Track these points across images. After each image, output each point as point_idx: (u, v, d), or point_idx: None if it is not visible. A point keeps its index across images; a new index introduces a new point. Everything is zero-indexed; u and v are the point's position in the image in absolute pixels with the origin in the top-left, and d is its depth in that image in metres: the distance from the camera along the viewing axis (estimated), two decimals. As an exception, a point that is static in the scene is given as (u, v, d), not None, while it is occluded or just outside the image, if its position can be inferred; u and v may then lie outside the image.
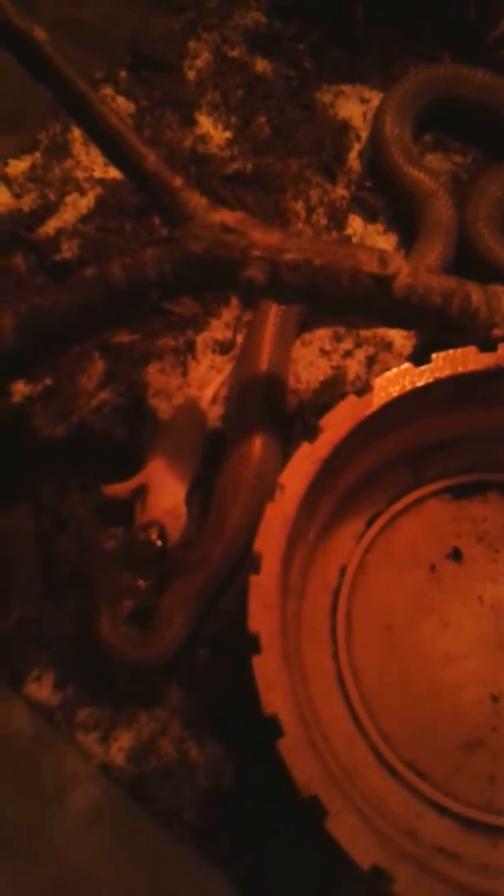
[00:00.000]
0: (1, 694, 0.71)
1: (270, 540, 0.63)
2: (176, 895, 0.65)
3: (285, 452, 0.76)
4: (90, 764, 0.69)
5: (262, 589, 0.62)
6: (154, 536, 0.72)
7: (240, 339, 0.86)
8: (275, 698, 0.59)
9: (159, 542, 0.72)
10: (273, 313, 0.81)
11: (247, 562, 0.67)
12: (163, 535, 0.73)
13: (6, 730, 0.70)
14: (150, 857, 0.67)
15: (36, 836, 0.64)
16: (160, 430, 0.80)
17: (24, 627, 0.74)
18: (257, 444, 0.75)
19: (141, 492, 0.76)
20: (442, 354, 0.69)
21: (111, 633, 0.70)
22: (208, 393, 0.83)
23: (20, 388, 0.83)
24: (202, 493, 0.78)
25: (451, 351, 0.69)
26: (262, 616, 0.61)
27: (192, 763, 0.70)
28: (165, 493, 0.75)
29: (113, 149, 0.67)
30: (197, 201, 0.65)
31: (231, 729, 0.70)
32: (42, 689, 0.72)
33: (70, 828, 0.66)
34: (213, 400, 0.83)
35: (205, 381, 0.84)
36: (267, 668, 0.59)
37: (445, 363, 0.69)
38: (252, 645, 0.60)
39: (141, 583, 0.72)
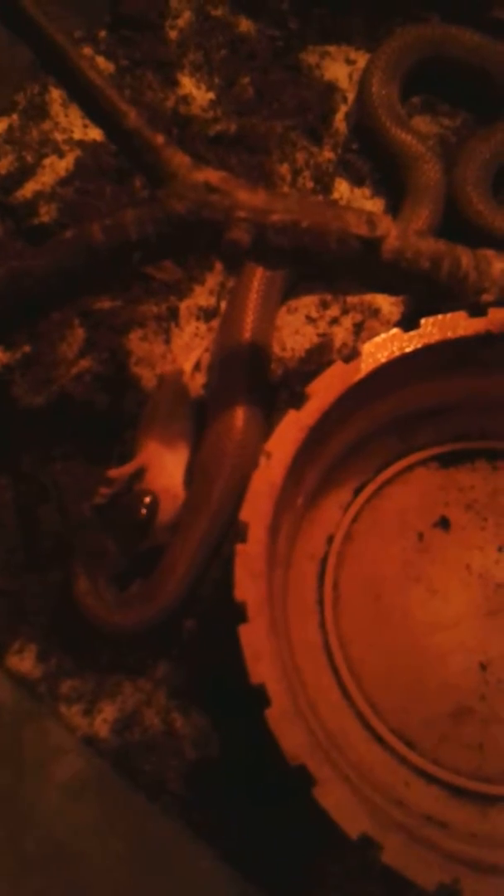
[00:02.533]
0: (-18, 667, 0.70)
1: (257, 508, 0.62)
2: (162, 868, 0.65)
3: (270, 421, 0.75)
4: (74, 736, 0.68)
5: (249, 558, 0.61)
6: (141, 504, 0.71)
7: (224, 306, 0.84)
8: (262, 667, 0.58)
9: (144, 511, 0.70)
10: (256, 279, 0.79)
11: (233, 531, 0.66)
12: (152, 508, 0.71)
13: (-12, 703, 0.69)
14: (135, 829, 0.67)
15: (19, 810, 0.63)
16: (148, 409, 0.78)
17: (6, 599, 0.73)
18: (240, 413, 0.74)
19: (139, 474, 0.74)
20: (431, 320, 0.67)
21: (88, 596, 0.69)
22: (189, 364, 0.81)
23: (-1, 357, 0.81)
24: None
25: (440, 316, 0.67)
26: (248, 585, 0.60)
27: (178, 734, 0.69)
28: (164, 473, 0.74)
29: (93, 106, 0.65)
30: (180, 160, 0.63)
31: (217, 699, 0.70)
32: (24, 661, 0.71)
33: (54, 801, 0.65)
34: (196, 368, 0.82)
35: (188, 348, 0.83)
36: (254, 637, 0.59)
37: (434, 328, 0.67)
38: (239, 614, 0.59)
39: (110, 545, 0.70)
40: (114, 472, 0.73)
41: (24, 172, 0.89)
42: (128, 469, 0.74)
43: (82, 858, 0.61)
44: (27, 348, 0.82)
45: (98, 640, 0.70)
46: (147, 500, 0.71)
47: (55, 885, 0.59)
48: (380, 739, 0.67)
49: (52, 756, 0.67)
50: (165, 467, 0.74)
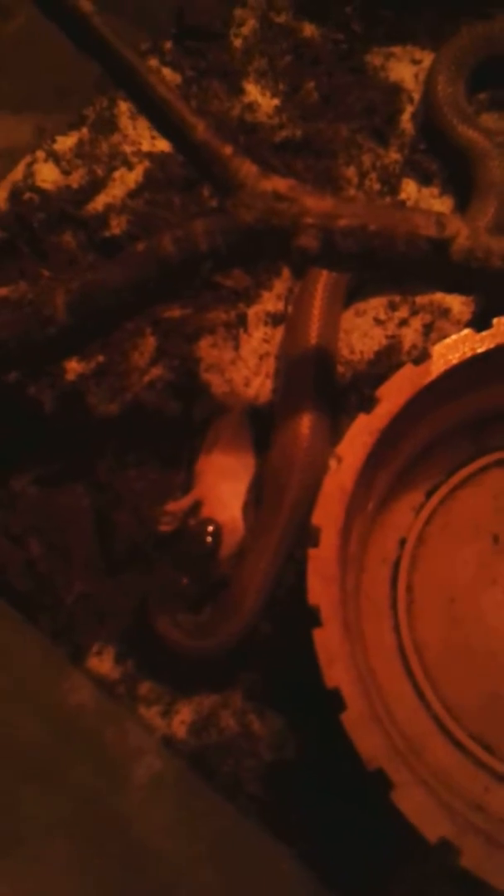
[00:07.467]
0: (64, 669, 0.72)
1: (329, 512, 0.63)
2: (240, 869, 0.65)
3: (339, 425, 0.75)
4: (153, 737, 0.69)
5: (322, 562, 0.61)
6: (206, 533, 0.71)
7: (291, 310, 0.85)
8: (337, 671, 0.58)
9: (209, 540, 0.71)
10: (321, 283, 0.79)
11: (305, 535, 0.66)
12: (216, 535, 0.71)
13: (70, 704, 0.71)
14: (213, 830, 0.67)
15: (102, 811, 0.64)
16: (208, 440, 0.78)
17: (85, 603, 0.74)
18: (307, 419, 0.74)
19: (195, 508, 0.74)
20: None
21: (168, 628, 0.70)
22: (251, 391, 0.82)
23: (73, 367, 0.83)
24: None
25: (512, 315, 0.67)
26: (321, 589, 0.60)
27: (254, 736, 0.70)
28: (220, 506, 0.74)
29: (162, 120, 0.67)
30: (248, 169, 0.64)
31: (292, 702, 0.70)
32: (103, 663, 0.73)
33: (134, 802, 0.66)
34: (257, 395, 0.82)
35: (256, 354, 0.83)
36: (328, 641, 0.59)
37: (507, 328, 0.67)
38: (312, 618, 0.59)
39: (184, 579, 0.71)
40: (171, 507, 0.74)
41: (95, 185, 0.91)
42: (185, 503, 0.74)
43: (164, 859, 0.62)
44: (101, 358, 0.83)
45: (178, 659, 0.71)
46: (210, 528, 0.71)
47: (138, 886, 0.60)
48: (457, 744, 0.67)
49: (133, 757, 0.68)
50: (222, 499, 0.74)
